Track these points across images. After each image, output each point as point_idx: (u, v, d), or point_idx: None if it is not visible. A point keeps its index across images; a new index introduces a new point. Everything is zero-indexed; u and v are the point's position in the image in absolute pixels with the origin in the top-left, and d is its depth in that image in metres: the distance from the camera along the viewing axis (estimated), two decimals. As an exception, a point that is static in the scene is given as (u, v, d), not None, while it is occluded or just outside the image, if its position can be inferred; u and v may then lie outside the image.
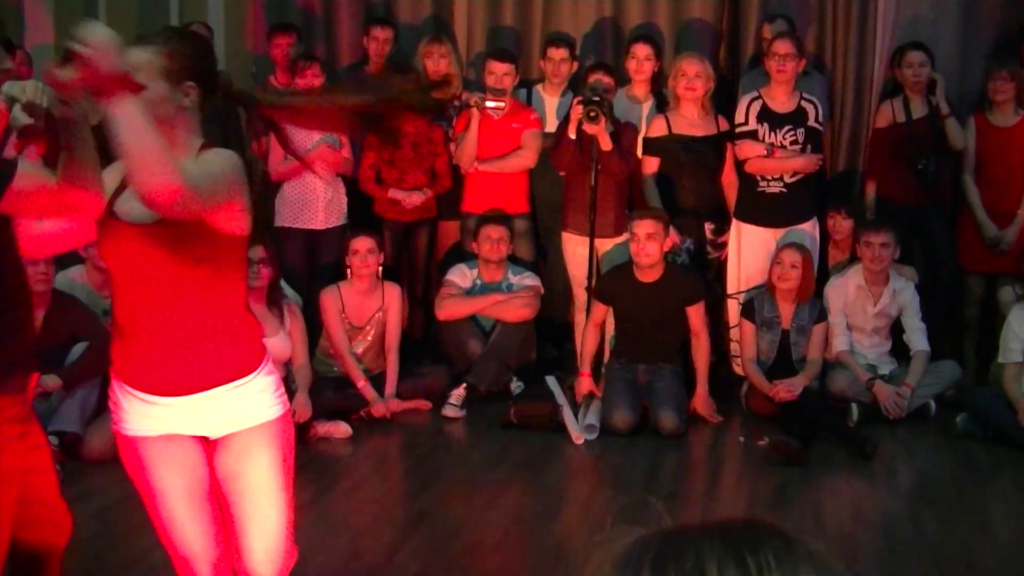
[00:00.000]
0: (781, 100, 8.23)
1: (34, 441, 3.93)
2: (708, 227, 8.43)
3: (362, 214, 8.71)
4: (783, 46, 8.18)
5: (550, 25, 9.58)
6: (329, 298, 8.10)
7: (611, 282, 8.04)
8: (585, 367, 7.98)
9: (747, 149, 8.22)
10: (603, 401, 7.74)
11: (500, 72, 8.61)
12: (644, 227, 7.76)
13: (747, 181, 8.29)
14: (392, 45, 9.17)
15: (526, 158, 8.63)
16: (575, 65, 9.00)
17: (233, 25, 9.98)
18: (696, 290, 7.98)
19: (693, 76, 8.27)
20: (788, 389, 7.74)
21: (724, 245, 8.45)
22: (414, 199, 8.61)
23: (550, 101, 8.96)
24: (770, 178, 8.21)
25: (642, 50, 8.68)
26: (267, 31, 9.50)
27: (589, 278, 8.16)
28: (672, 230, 7.94)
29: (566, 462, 7.38)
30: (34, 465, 3.92)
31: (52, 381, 6.89)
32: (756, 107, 8.24)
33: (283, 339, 7.55)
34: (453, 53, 9.13)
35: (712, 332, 8.20)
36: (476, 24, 9.75)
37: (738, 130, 8.28)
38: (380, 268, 8.14)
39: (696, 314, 7.92)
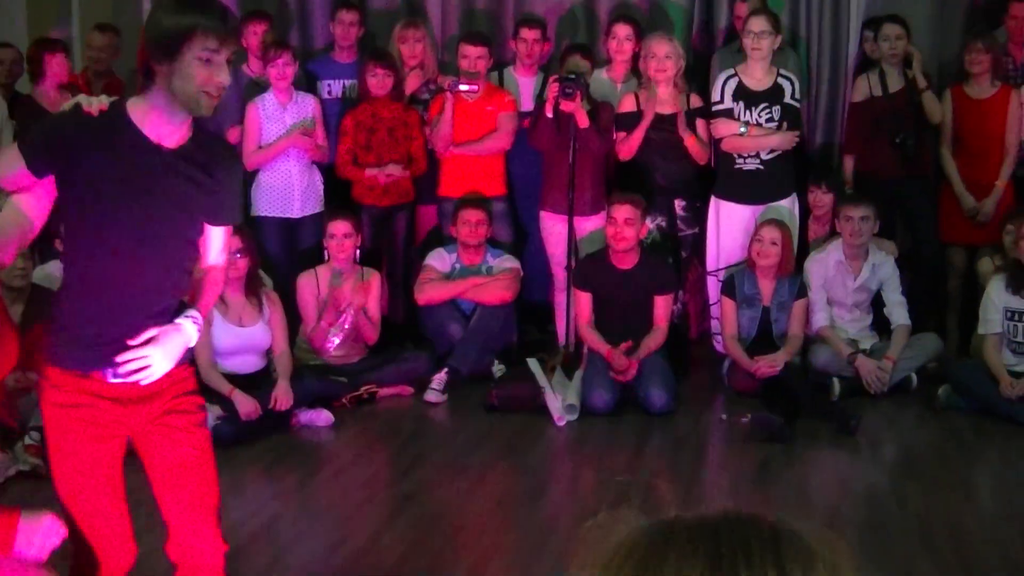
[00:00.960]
0: (757, 77, 8.21)
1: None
2: (679, 204, 8.41)
3: (339, 201, 8.68)
4: (758, 23, 8.17)
5: (523, 8, 9.55)
6: (305, 281, 8.09)
7: (588, 268, 8.02)
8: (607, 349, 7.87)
9: (723, 127, 8.20)
10: (583, 382, 7.73)
11: (473, 55, 8.58)
12: (622, 212, 7.76)
13: (724, 158, 8.28)
14: (359, 28, 9.12)
15: (502, 140, 8.62)
16: (548, 46, 9.00)
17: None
18: (667, 280, 7.99)
19: (663, 57, 8.25)
20: (770, 364, 7.75)
21: (695, 222, 8.43)
22: (390, 170, 8.56)
23: (524, 82, 8.94)
24: (747, 155, 8.19)
25: (623, 30, 8.67)
26: (239, 18, 9.44)
27: (568, 257, 8.15)
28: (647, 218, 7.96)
29: (549, 443, 7.39)
30: (183, 460, 3.95)
31: (34, 377, 6.85)
32: (732, 85, 8.22)
33: (263, 328, 7.53)
34: (429, 37, 9.12)
35: (698, 309, 8.21)
36: (450, 7, 9.71)
37: (714, 108, 8.27)
38: (358, 252, 8.13)
39: (662, 305, 7.92)
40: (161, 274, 3.75)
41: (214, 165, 3.74)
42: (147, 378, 3.64)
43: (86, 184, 3.60)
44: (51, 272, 7.53)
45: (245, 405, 7.23)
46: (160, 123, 3.64)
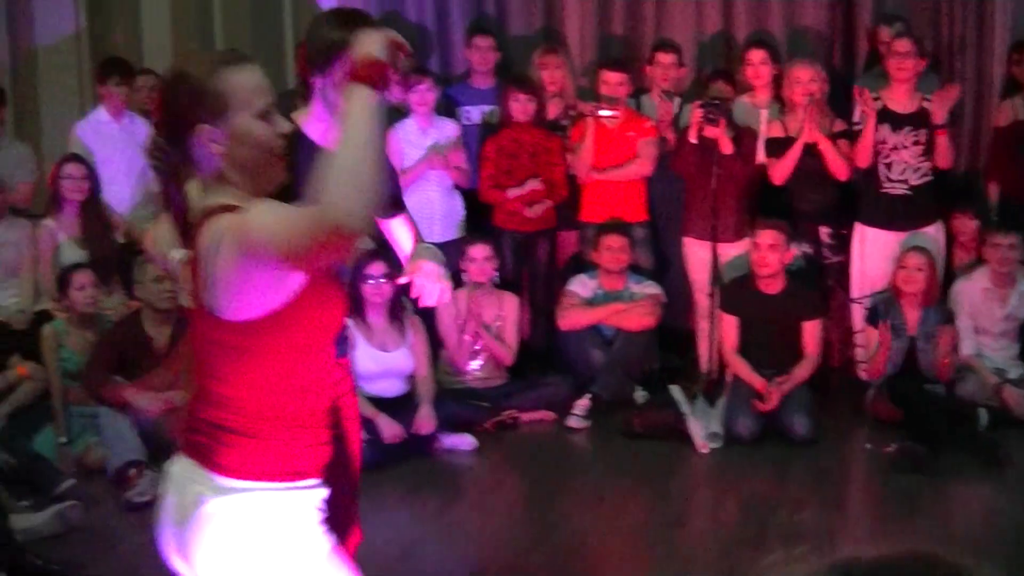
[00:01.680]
0: (901, 101, 8.13)
1: None
2: (824, 231, 8.34)
3: (480, 227, 8.73)
4: (903, 44, 8.10)
5: (661, 34, 9.54)
6: (443, 308, 8.12)
7: (733, 292, 7.98)
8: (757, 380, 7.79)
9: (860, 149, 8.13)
10: (726, 409, 7.69)
11: (614, 82, 8.60)
12: (766, 237, 7.73)
13: (870, 183, 8.19)
14: (496, 53, 9.19)
15: (643, 166, 8.62)
16: (684, 71, 8.99)
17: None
18: (815, 306, 7.92)
19: (807, 82, 8.20)
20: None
21: (841, 249, 8.36)
22: (531, 184, 8.59)
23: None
24: (894, 179, 8.10)
25: (757, 55, 8.65)
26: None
27: (712, 284, 8.13)
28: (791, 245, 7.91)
29: (691, 471, 7.36)
30: None
31: (180, 397, 7.00)
32: (875, 108, 8.14)
33: (405, 352, 7.60)
34: (568, 63, 9.15)
35: (840, 337, 8.13)
36: (588, 33, 9.74)
37: (856, 129, 8.20)
38: (496, 276, 8.20)
39: (811, 331, 7.84)
40: None
41: None
42: None
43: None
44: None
45: (389, 429, 7.29)
46: (320, 134, 3.74)
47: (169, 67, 3.41)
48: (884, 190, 8.13)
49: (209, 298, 2.90)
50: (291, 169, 3.32)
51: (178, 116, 2.95)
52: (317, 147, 3.71)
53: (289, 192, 3.33)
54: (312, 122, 3.74)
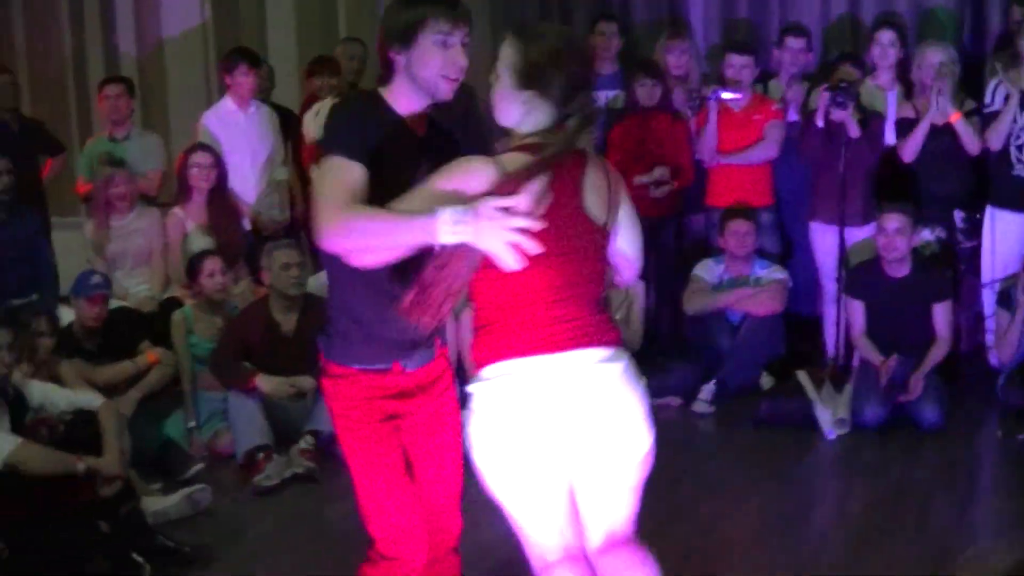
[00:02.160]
0: (1033, 82, 7.96)
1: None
2: (958, 216, 8.20)
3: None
4: (1036, 24, 7.94)
5: (786, 17, 9.44)
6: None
7: (860, 277, 7.87)
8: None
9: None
10: (854, 395, 7.59)
11: (739, 64, 8.54)
12: (892, 221, 7.60)
13: (1001, 165, 8.03)
14: (620, 40, 9.15)
15: (769, 149, 8.54)
16: (811, 56, 8.88)
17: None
18: (943, 288, 7.76)
19: (938, 65, 8.06)
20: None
21: (975, 234, 8.21)
22: (656, 175, 8.54)
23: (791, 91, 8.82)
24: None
25: (886, 36, 8.51)
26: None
27: (839, 268, 8.02)
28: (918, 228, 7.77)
29: (818, 458, 7.28)
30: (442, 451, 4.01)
31: (307, 382, 7.05)
32: (1004, 89, 7.98)
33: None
34: (693, 47, 9.09)
35: (969, 323, 7.99)
36: (712, 17, 9.68)
37: (986, 112, 8.04)
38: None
39: (941, 314, 7.69)
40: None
41: (446, 159, 3.68)
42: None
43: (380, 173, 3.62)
44: (326, 281, 7.70)
45: None
46: (404, 107, 3.74)
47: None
48: (1016, 172, 7.96)
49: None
50: (380, 143, 3.58)
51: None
52: (402, 121, 3.74)
53: (377, 166, 3.57)
54: (397, 97, 3.72)
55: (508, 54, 3.63)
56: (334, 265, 3.70)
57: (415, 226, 3.38)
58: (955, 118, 8.00)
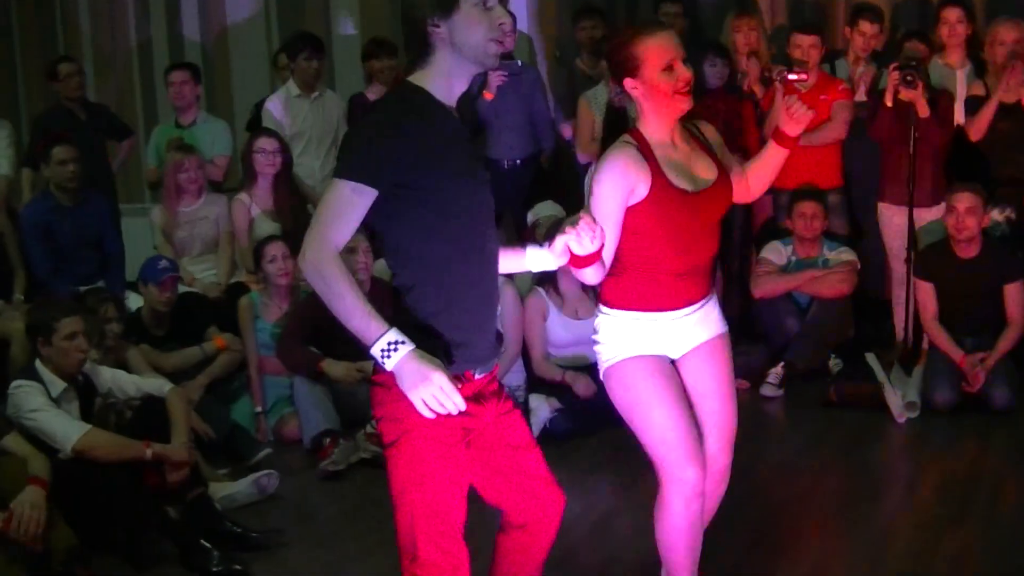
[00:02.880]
0: (1108, 60, 7.83)
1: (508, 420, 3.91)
2: (1029, 196, 8.09)
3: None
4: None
5: (853, -3, 9.35)
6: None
7: (929, 258, 7.76)
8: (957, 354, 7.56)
9: None
10: (925, 378, 7.50)
11: (806, 44, 8.44)
12: (962, 201, 7.49)
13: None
14: (684, 20, 9.10)
15: (837, 130, 8.43)
16: (882, 37, 8.77)
17: (535, 8, 10.03)
18: (1015, 269, 7.63)
19: (1011, 43, 7.95)
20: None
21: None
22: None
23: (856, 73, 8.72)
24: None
25: (953, 13, 8.39)
26: (572, 15, 9.52)
27: (908, 250, 7.93)
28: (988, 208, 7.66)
29: (889, 441, 7.23)
30: (517, 441, 3.92)
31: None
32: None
33: (597, 321, 7.54)
34: (761, 26, 9.01)
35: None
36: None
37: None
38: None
39: (1014, 295, 7.55)
40: (494, 251, 3.79)
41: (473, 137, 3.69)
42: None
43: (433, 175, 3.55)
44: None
45: (583, 387, 7.25)
46: (446, 89, 3.61)
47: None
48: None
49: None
50: (437, 149, 3.50)
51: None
52: (450, 113, 3.63)
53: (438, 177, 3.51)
54: (440, 80, 3.59)
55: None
56: (421, 263, 3.59)
57: (361, 327, 3.43)
58: None
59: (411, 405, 3.47)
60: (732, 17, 9.03)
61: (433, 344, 3.54)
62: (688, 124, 4.44)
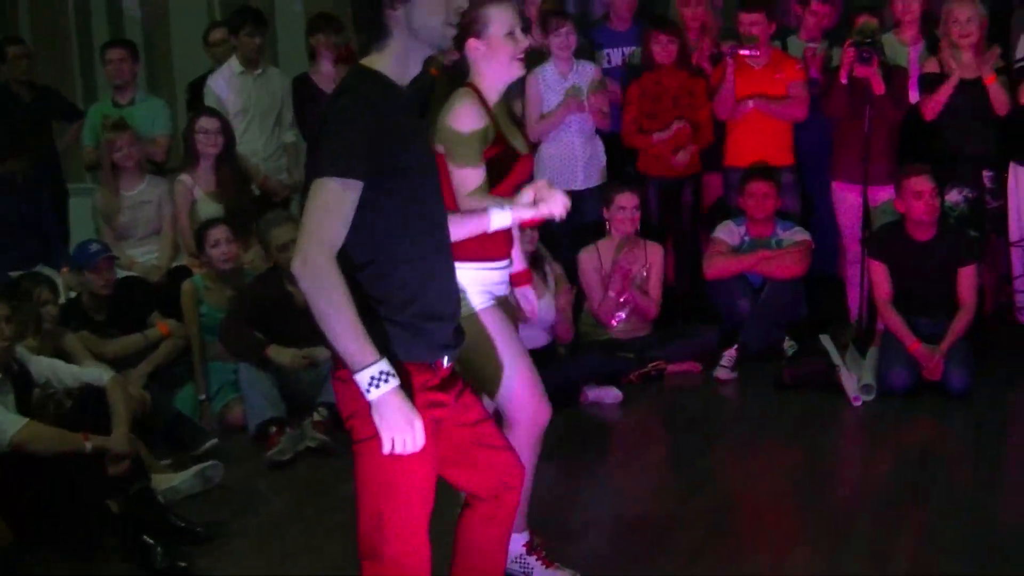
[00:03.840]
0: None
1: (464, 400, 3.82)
2: (986, 175, 8.00)
3: (621, 173, 8.53)
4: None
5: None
6: (587, 256, 8.05)
7: (884, 239, 7.65)
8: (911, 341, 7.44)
9: None
10: (880, 360, 7.42)
11: (748, 23, 8.32)
12: (917, 184, 7.39)
13: (1026, 120, 7.83)
14: None
15: (797, 108, 8.31)
16: (835, 15, 8.66)
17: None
18: (970, 251, 7.53)
19: (965, 21, 7.86)
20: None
21: (1001, 194, 8.01)
22: (676, 125, 8.37)
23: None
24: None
25: (908, -10, 8.30)
26: (519, -14, 9.39)
27: (862, 229, 7.83)
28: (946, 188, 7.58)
29: (844, 424, 7.14)
30: (474, 417, 3.85)
31: (321, 353, 6.88)
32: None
33: (548, 301, 7.43)
34: (709, 1, 8.90)
35: (994, 283, 7.81)
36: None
37: (1017, 67, 7.84)
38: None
39: (966, 278, 7.45)
40: (446, 226, 3.71)
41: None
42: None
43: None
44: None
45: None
46: (401, 71, 3.55)
47: None
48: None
49: None
50: (401, 135, 3.45)
51: None
52: (405, 96, 3.57)
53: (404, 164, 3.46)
54: (395, 65, 3.52)
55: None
56: (395, 250, 3.48)
57: (352, 348, 3.32)
58: (990, 80, 7.79)
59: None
60: None
61: (406, 332, 3.47)
62: (506, 99, 4.73)
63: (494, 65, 4.52)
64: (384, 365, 3.32)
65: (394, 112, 3.45)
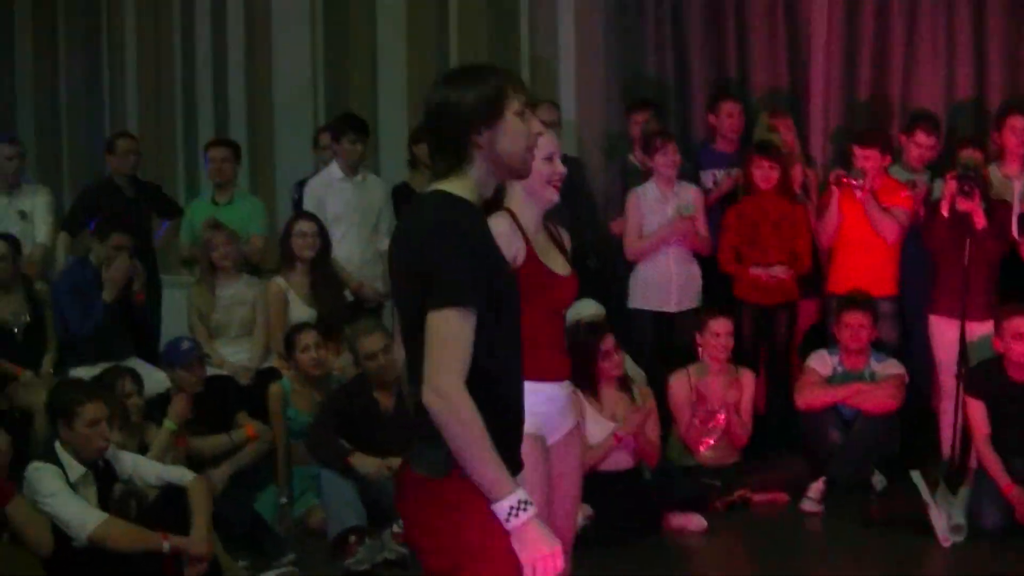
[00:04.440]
0: None
1: None
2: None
3: (718, 297, 8.46)
4: None
5: (909, 95, 9.18)
6: (677, 379, 7.99)
7: (981, 376, 7.51)
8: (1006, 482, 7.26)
9: None
10: (972, 499, 7.25)
11: (861, 156, 8.26)
12: (1017, 325, 7.26)
13: None
14: (741, 119, 8.99)
15: (891, 228, 8.20)
16: (939, 148, 8.58)
17: (584, 99, 9.88)
18: None
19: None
20: None
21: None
22: (776, 272, 8.31)
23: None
24: None
25: (1019, 121, 8.19)
26: (625, 107, 9.40)
27: (959, 365, 7.70)
28: None
29: (933, 565, 6.98)
30: None
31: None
32: None
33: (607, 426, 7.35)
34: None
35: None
36: (832, 96, 9.40)
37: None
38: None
39: None
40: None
41: None
42: None
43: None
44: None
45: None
46: (479, 197, 3.56)
47: None
48: None
49: None
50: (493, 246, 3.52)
51: None
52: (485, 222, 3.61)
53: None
54: (473, 188, 3.52)
55: None
56: (502, 371, 3.50)
57: (491, 478, 3.31)
58: None
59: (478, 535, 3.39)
60: (767, 114, 8.92)
61: (509, 432, 3.54)
62: (547, 222, 4.72)
63: (528, 188, 4.52)
64: (522, 494, 3.31)
65: (491, 240, 3.49)
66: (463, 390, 3.30)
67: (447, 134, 3.49)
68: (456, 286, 3.32)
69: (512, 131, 3.47)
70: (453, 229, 3.39)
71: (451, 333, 3.31)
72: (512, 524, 3.29)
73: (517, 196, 4.57)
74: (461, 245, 3.35)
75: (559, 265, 4.64)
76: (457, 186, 3.49)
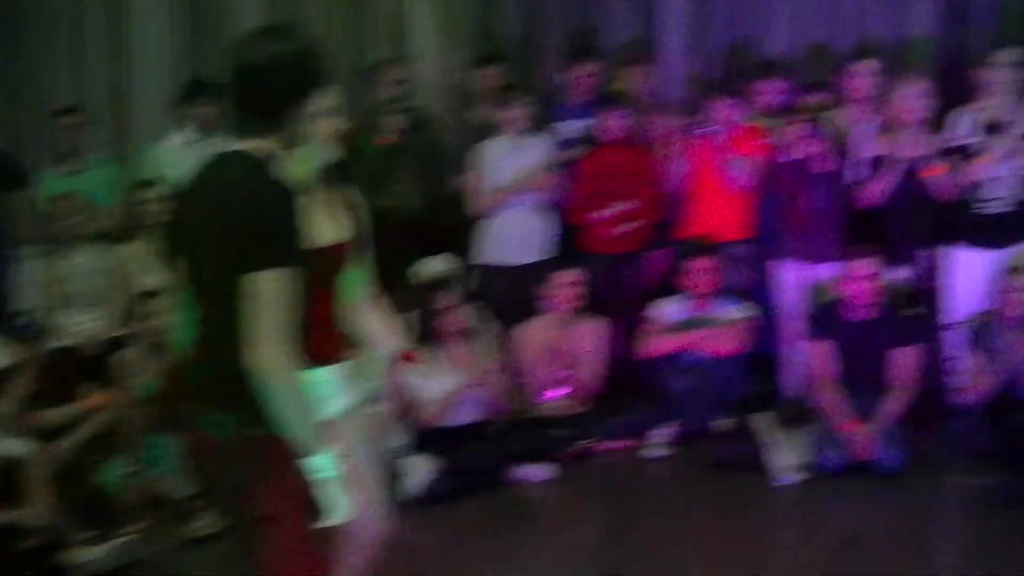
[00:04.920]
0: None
1: None
2: (923, 255, 7.98)
3: (569, 247, 8.54)
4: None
5: (760, 45, 9.39)
6: (523, 333, 8.09)
7: (826, 318, 7.65)
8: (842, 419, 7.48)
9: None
10: (813, 440, 7.40)
11: (713, 103, 8.37)
12: (860, 267, 7.41)
13: (961, 204, 7.80)
14: (596, 78, 9.04)
15: (742, 175, 8.30)
16: (785, 92, 8.70)
17: (434, 55, 9.90)
18: (909, 333, 7.56)
19: (912, 99, 7.85)
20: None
21: (936, 273, 8.00)
22: (616, 209, 8.39)
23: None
24: (990, 198, 7.73)
25: (864, 67, 8.31)
26: (475, 62, 9.46)
27: (802, 308, 7.83)
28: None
29: (776, 504, 7.11)
30: None
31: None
32: (970, 118, 7.78)
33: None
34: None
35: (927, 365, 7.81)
36: (686, 45, 9.53)
37: (956, 144, 7.82)
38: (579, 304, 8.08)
39: (903, 360, 7.48)
40: None
41: None
42: None
43: None
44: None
45: None
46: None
47: None
48: (976, 210, 7.76)
49: None
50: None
51: None
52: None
53: None
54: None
55: None
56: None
57: (298, 434, 3.44)
58: (940, 171, 7.79)
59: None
60: (626, 62, 9.03)
61: None
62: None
63: None
64: (332, 451, 3.64)
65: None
66: (287, 354, 3.39)
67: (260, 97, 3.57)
68: (276, 242, 3.39)
69: None
70: (273, 190, 3.45)
71: (271, 291, 3.37)
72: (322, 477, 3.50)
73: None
74: (286, 201, 3.42)
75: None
76: (262, 147, 3.56)
